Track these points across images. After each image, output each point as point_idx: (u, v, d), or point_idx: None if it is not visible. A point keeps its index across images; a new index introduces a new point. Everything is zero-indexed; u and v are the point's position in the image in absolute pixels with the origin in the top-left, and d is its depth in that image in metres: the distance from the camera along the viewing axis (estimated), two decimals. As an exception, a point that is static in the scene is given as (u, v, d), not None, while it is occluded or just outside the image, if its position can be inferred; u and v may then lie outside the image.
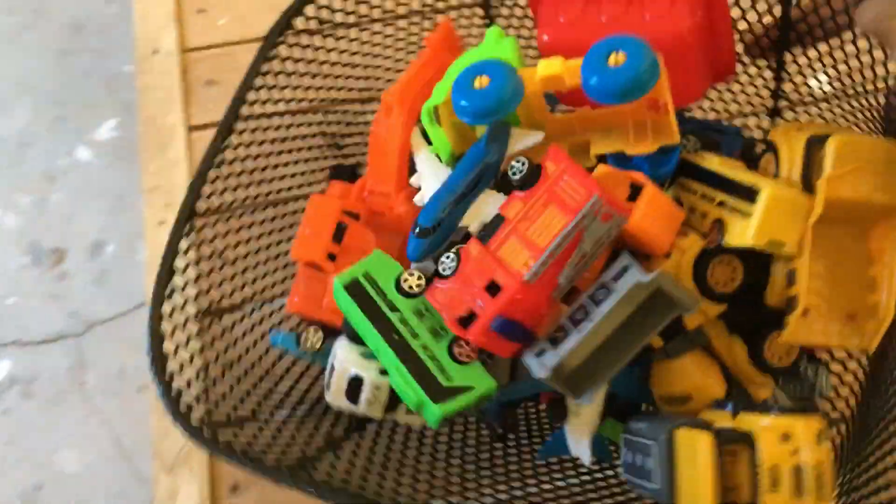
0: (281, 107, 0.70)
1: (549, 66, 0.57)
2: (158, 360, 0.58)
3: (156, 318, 0.60)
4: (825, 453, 0.50)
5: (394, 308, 0.59)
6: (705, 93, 0.67)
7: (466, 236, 0.59)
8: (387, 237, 0.69)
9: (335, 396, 0.62)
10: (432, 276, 0.59)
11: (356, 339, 0.62)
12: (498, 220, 0.57)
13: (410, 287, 0.60)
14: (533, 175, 0.57)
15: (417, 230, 0.60)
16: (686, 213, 0.60)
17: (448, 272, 0.57)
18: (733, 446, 0.51)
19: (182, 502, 0.76)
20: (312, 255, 0.66)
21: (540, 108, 0.63)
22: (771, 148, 0.61)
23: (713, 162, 0.61)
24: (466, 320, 0.55)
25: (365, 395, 0.61)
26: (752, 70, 0.67)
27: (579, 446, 0.64)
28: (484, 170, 0.61)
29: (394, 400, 0.61)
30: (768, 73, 0.67)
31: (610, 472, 0.66)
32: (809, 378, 0.62)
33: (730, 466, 0.51)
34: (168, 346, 0.60)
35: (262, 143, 0.69)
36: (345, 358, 0.61)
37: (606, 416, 0.65)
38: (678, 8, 0.59)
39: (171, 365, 0.59)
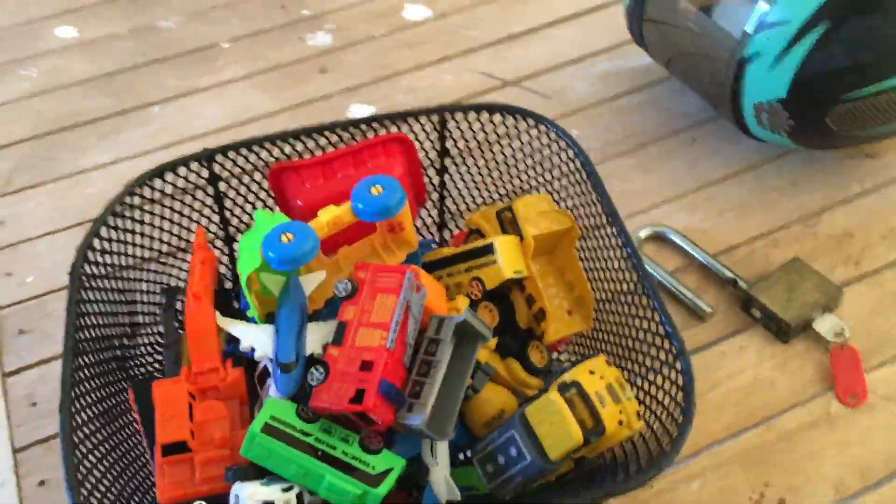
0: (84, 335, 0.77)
1: (329, 213, 0.78)
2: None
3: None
4: (617, 371, 0.76)
5: (306, 433, 0.71)
6: (415, 216, 0.94)
7: (314, 361, 0.75)
8: (226, 404, 0.79)
9: None
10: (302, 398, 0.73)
11: (249, 477, 0.71)
12: (342, 326, 0.75)
13: None
14: (354, 289, 0.76)
15: (281, 368, 0.74)
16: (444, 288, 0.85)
17: (319, 382, 0.72)
18: (568, 394, 0.74)
19: None
20: (180, 435, 0.73)
21: (318, 256, 0.82)
22: (473, 231, 0.89)
23: (444, 251, 0.87)
24: (357, 398, 0.70)
25: None
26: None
27: (447, 489, 0.80)
28: (301, 310, 0.78)
29: (302, 515, 0.71)
30: (435, 196, 0.96)
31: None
32: (556, 368, 0.88)
33: (573, 410, 0.74)
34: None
35: (90, 366, 0.75)
36: (252, 493, 0.70)
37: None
38: (390, 162, 0.85)
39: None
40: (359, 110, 1.33)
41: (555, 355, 0.94)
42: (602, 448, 0.75)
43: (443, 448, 0.81)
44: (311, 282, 0.81)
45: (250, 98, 1.37)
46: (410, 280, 0.75)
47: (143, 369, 0.87)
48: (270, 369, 0.77)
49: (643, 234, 1.13)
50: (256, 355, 0.78)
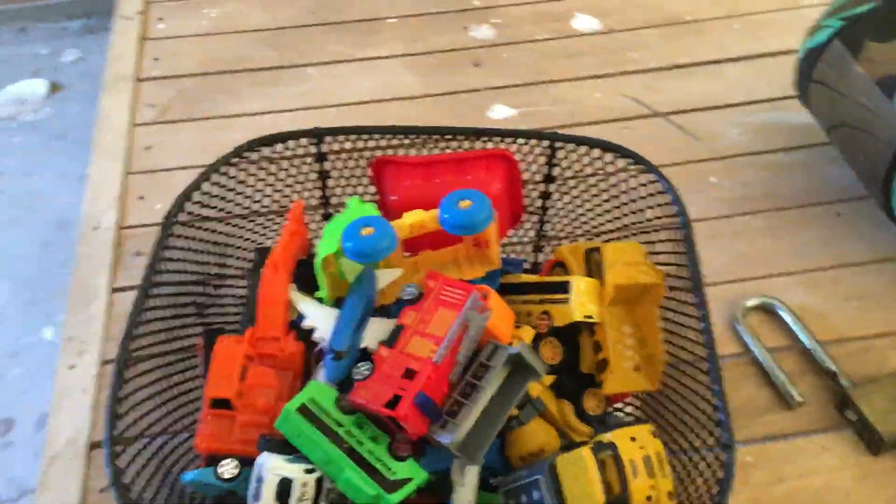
0: (167, 278, 0.82)
1: (415, 216, 0.79)
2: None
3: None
4: (659, 445, 0.73)
5: (339, 423, 0.73)
6: (506, 233, 0.94)
7: (365, 355, 0.76)
8: (279, 374, 0.82)
9: (265, 503, 0.71)
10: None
11: (277, 450, 0.74)
12: (398, 329, 0.76)
13: None
14: (419, 295, 0.77)
15: (332, 356, 0.76)
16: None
17: (364, 376, 0.73)
18: (602, 455, 0.72)
19: None
20: (226, 392, 0.77)
21: (397, 253, 0.83)
22: (558, 264, 0.88)
23: (523, 277, 0.86)
24: (392, 403, 0.71)
25: (294, 494, 0.72)
26: (524, 216, 0.95)
27: (467, 513, 0.80)
28: (367, 302, 0.79)
29: (316, 498, 0.73)
30: (535, 218, 0.95)
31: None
32: (611, 420, 0.85)
33: (602, 472, 0.71)
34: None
35: (166, 307, 0.79)
36: (273, 465, 0.72)
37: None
38: (490, 176, 0.85)
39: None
40: (501, 111, 1.33)
41: (620, 406, 0.92)
42: (625, 518, 0.72)
43: (472, 471, 0.81)
44: (385, 277, 0.82)
45: (401, 77, 1.40)
46: (474, 301, 0.75)
47: (221, 320, 0.91)
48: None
49: (751, 302, 1.07)
50: (315, 335, 0.80)
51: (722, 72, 1.39)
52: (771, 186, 1.22)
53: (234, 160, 0.84)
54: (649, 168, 0.82)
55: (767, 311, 1.07)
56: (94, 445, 0.94)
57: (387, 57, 1.43)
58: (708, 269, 1.11)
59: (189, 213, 0.83)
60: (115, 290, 1.10)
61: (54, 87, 2.38)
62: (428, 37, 1.46)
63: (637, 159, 0.83)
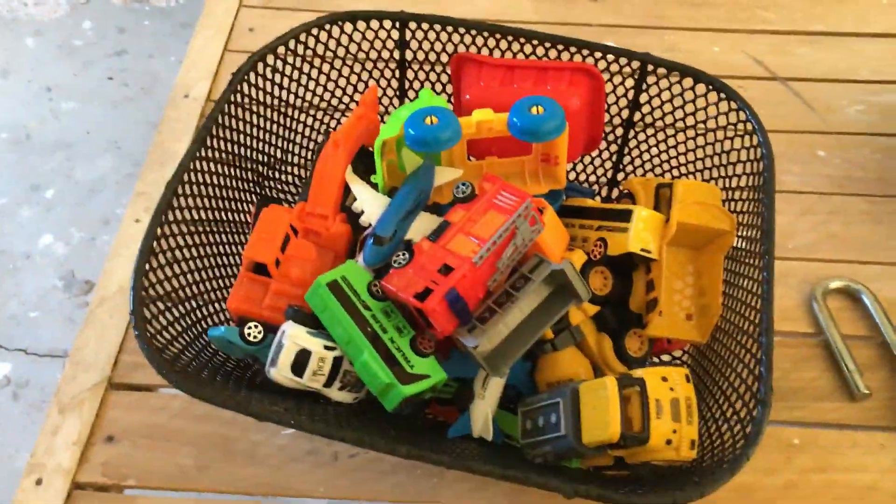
0: (231, 138, 0.81)
1: (484, 114, 0.76)
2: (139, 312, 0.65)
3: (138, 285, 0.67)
4: (691, 390, 0.68)
5: (367, 307, 0.72)
6: (580, 156, 0.89)
7: (407, 246, 0.74)
8: (320, 252, 0.81)
9: (280, 370, 0.71)
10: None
11: (302, 322, 0.73)
12: (444, 224, 0.73)
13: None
14: (473, 194, 0.74)
15: (374, 240, 0.74)
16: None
17: (401, 265, 0.71)
18: (627, 390, 0.68)
19: (60, 438, 0.84)
20: (264, 257, 0.76)
21: (461, 153, 0.81)
22: (626, 195, 0.83)
23: (587, 202, 0.82)
24: (422, 296, 0.69)
25: (310, 367, 0.71)
26: (603, 145, 0.91)
27: (483, 425, 0.78)
28: (420, 195, 0.77)
29: (331, 376, 0.72)
30: (614, 148, 0.90)
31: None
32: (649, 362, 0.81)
33: (624, 405, 0.68)
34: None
35: (219, 176, 0.79)
36: (294, 334, 0.71)
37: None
38: (571, 91, 0.80)
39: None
40: (610, 49, 1.27)
41: (666, 360, 0.87)
42: (641, 458, 0.68)
43: (496, 384, 0.79)
44: (445, 175, 0.80)
45: (518, 2, 1.35)
46: (527, 208, 0.71)
47: (281, 195, 0.91)
48: (369, 237, 0.77)
49: (834, 284, 0.99)
50: (362, 219, 0.79)
51: (857, 46, 1.28)
52: (884, 171, 1.13)
53: (317, 32, 0.82)
54: (741, 106, 0.76)
55: (851, 296, 0.99)
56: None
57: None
58: (795, 242, 1.05)
59: (259, 88, 0.82)
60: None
61: (189, -24, 2.44)
62: (551, -37, 1.41)
63: (729, 95, 0.77)
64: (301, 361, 0.71)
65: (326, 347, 0.72)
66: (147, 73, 2.28)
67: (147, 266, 0.67)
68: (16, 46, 2.34)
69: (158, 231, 0.69)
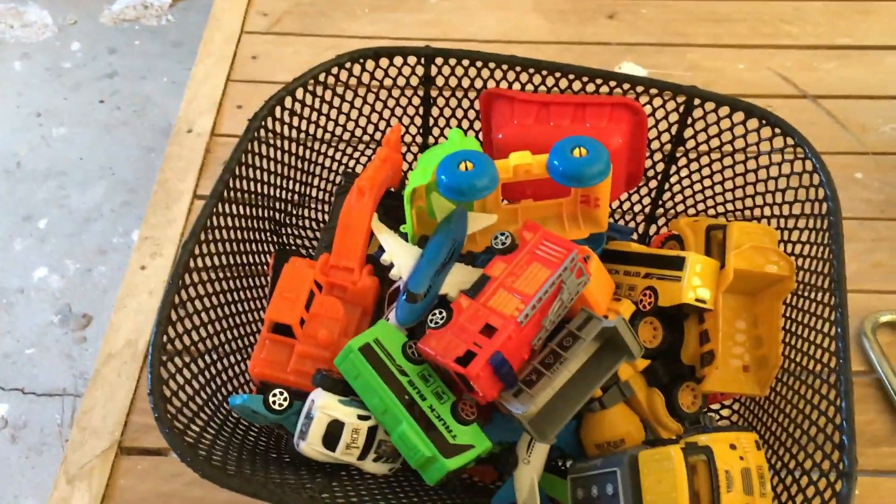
0: (246, 186, 0.75)
1: (521, 158, 0.70)
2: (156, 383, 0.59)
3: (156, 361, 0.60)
4: (762, 458, 0.63)
5: (403, 372, 0.66)
6: (619, 195, 0.84)
7: (443, 303, 0.68)
8: (347, 308, 0.75)
9: (311, 444, 0.65)
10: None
11: (332, 389, 0.67)
12: (483, 279, 0.67)
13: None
14: (513, 245, 0.68)
15: (406, 297, 0.69)
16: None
17: (438, 325, 0.66)
18: (693, 459, 0.62)
19: None
20: (288, 318, 0.70)
21: (495, 198, 0.75)
22: (673, 237, 0.77)
23: (632, 246, 0.76)
24: (464, 360, 0.63)
25: (344, 439, 0.65)
26: (642, 181, 0.85)
27: (528, 493, 0.72)
28: (454, 245, 0.71)
29: (366, 448, 0.66)
30: (654, 184, 0.85)
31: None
32: (706, 422, 0.75)
33: (690, 477, 0.62)
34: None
35: (237, 218, 0.73)
36: (325, 404, 0.65)
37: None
38: (612, 128, 0.75)
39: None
40: (629, 69, 1.21)
41: (717, 408, 0.82)
42: (709, 534, 0.63)
43: (541, 449, 0.73)
44: (479, 221, 0.74)
45: (529, 20, 1.30)
46: (573, 260, 0.66)
47: (299, 241, 0.85)
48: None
49: (884, 318, 0.94)
50: (392, 272, 0.73)
51: (887, 60, 1.24)
52: (926, 194, 1.08)
53: (337, 71, 0.76)
54: (800, 143, 0.71)
55: (902, 329, 0.95)
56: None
57: (518, -4, 1.33)
58: (838, 272, 1.00)
59: (282, 123, 0.76)
60: (198, 197, 1.06)
61: (179, -5, 2.37)
62: (564, -20, 1.35)
63: (786, 130, 0.71)
64: (333, 433, 0.65)
65: (360, 417, 0.66)
66: (140, 95, 2.22)
67: (165, 338, 0.61)
68: (2, 70, 2.27)
69: (176, 298, 0.63)
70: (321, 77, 0.75)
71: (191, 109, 1.13)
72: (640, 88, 0.76)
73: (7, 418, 1.65)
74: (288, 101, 0.75)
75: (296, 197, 0.82)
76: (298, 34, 1.25)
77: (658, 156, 0.82)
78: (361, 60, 0.76)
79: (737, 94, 1.17)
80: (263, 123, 0.72)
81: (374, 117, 0.83)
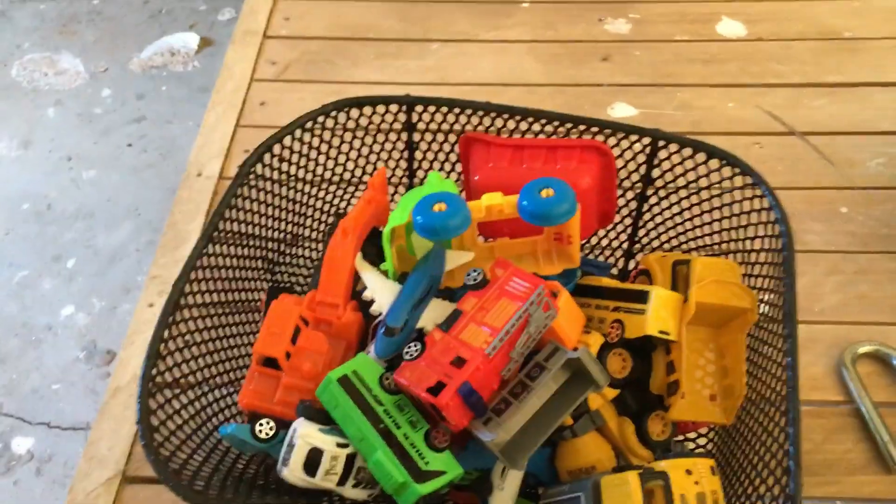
0: (240, 228, 0.80)
1: (493, 198, 0.74)
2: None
3: (144, 393, 0.65)
4: (717, 483, 0.66)
5: (379, 402, 0.70)
6: (594, 233, 0.88)
7: (420, 335, 0.73)
8: (332, 342, 0.80)
9: (292, 470, 0.69)
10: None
11: (314, 419, 0.71)
12: (456, 313, 0.71)
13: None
14: (484, 280, 0.72)
15: (384, 331, 0.73)
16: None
17: (413, 357, 0.70)
18: (651, 484, 0.65)
19: None
20: (274, 351, 0.75)
21: (471, 236, 0.79)
22: (643, 272, 0.81)
23: (603, 281, 0.80)
24: (435, 390, 0.67)
25: (323, 466, 0.69)
26: (617, 218, 0.89)
27: (503, 519, 0.75)
28: (431, 281, 0.76)
29: (345, 474, 0.70)
30: (629, 221, 0.89)
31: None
32: (677, 449, 0.78)
33: (647, 501, 0.65)
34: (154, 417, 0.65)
35: (233, 256, 0.78)
36: (306, 433, 0.70)
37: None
38: (582, 169, 0.79)
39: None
40: (622, 109, 1.26)
41: (693, 437, 0.84)
42: (667, 557, 0.66)
43: (514, 475, 0.76)
44: (456, 259, 0.78)
45: (525, 64, 1.35)
46: (539, 295, 0.69)
47: (293, 279, 0.90)
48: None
49: (864, 349, 0.96)
50: (373, 308, 0.77)
51: (874, 96, 1.27)
52: (910, 227, 1.10)
53: (323, 119, 0.82)
54: (757, 181, 0.74)
55: (882, 361, 0.96)
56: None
57: (514, 41, 1.38)
58: (821, 305, 1.02)
59: (272, 168, 0.81)
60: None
61: (205, 42, 2.47)
62: (560, 25, 1.40)
63: (744, 169, 0.75)
64: (313, 460, 0.69)
65: (339, 445, 0.70)
66: (166, 139, 2.31)
67: (154, 371, 0.66)
68: (36, 116, 2.38)
69: (166, 333, 0.68)
70: (308, 125, 0.81)
71: (202, 154, 1.19)
72: (607, 132, 0.80)
73: (34, 452, 1.72)
74: (277, 149, 0.80)
75: (288, 237, 0.87)
76: (305, 81, 1.32)
77: (631, 194, 0.86)
78: (346, 109, 0.82)
79: (726, 131, 1.23)
80: (253, 170, 0.77)
81: (362, 161, 0.88)
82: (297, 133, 0.81)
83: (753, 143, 1.21)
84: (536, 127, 0.82)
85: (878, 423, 0.90)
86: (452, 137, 0.85)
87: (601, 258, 0.93)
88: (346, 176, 0.88)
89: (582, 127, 0.81)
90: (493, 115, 0.82)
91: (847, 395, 0.93)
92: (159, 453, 0.62)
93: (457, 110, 0.82)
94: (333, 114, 0.81)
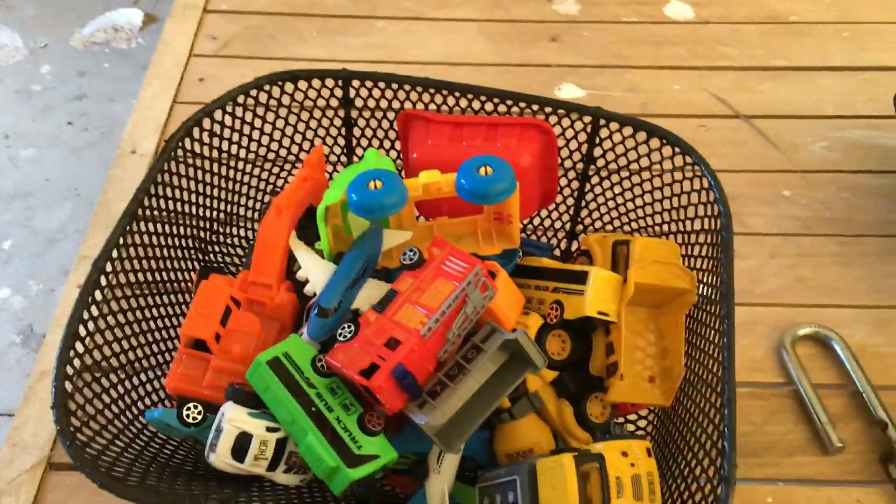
0: (169, 206, 0.77)
1: (430, 176, 0.72)
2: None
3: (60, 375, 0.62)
4: (653, 465, 0.65)
5: (311, 384, 0.68)
6: (535, 212, 0.86)
7: (354, 316, 0.70)
8: (265, 324, 0.77)
9: (220, 456, 0.66)
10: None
11: (244, 403, 0.69)
12: (391, 294, 0.69)
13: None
14: (421, 260, 0.71)
15: (317, 311, 0.71)
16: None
17: (346, 338, 0.68)
18: (586, 466, 0.64)
19: None
20: (203, 333, 0.72)
21: (409, 215, 0.77)
22: (583, 252, 0.80)
23: (544, 261, 0.78)
24: (368, 372, 0.65)
25: (252, 451, 0.67)
26: (559, 198, 0.87)
27: (440, 503, 0.74)
28: (367, 261, 0.73)
29: (275, 459, 0.68)
30: (571, 202, 0.87)
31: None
32: (616, 431, 0.77)
33: (583, 484, 0.64)
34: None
35: (154, 238, 0.75)
36: (234, 417, 0.67)
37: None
38: (522, 147, 0.77)
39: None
40: (570, 90, 1.24)
41: (634, 419, 0.84)
42: (603, 539, 0.65)
43: (451, 459, 0.75)
44: (393, 238, 0.76)
45: (473, 43, 1.33)
46: (477, 275, 0.68)
47: (227, 259, 0.87)
48: (313, 308, 0.74)
49: (803, 331, 0.96)
50: (307, 288, 0.75)
51: (818, 80, 1.27)
52: (852, 210, 1.11)
53: (256, 94, 0.79)
54: (697, 161, 0.73)
55: (821, 343, 0.97)
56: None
57: (462, 20, 1.36)
58: (762, 287, 1.03)
59: (203, 143, 0.78)
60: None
61: (149, 18, 2.40)
62: (509, 4, 1.38)
63: (684, 149, 0.74)
64: (242, 445, 0.67)
65: (269, 429, 0.68)
66: (107, 117, 2.24)
67: (72, 353, 0.63)
68: (-28, 93, 2.30)
69: (85, 314, 0.65)
70: (240, 99, 0.78)
71: (136, 131, 1.16)
72: (548, 109, 0.78)
73: (-41, 434, 1.68)
74: (206, 123, 0.77)
75: (222, 216, 0.84)
76: (246, 57, 1.28)
77: (572, 174, 0.85)
78: (280, 83, 0.79)
79: (673, 114, 1.22)
80: (181, 144, 0.74)
81: (298, 138, 0.85)
82: (229, 107, 0.78)
83: (699, 125, 1.21)
84: (477, 105, 0.80)
85: (816, 404, 0.90)
86: (391, 115, 0.83)
87: (543, 240, 0.92)
88: (283, 153, 0.85)
89: (523, 105, 0.79)
90: (432, 91, 0.80)
91: (787, 377, 0.94)
92: (76, 438, 0.59)
93: (394, 86, 0.80)
94: (267, 87, 0.78)
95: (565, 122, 0.80)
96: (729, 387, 0.62)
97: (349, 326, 0.68)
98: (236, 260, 0.88)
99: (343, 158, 0.87)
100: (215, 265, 0.86)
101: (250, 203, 0.87)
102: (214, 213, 0.83)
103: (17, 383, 1.73)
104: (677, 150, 0.75)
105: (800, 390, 0.92)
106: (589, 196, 0.86)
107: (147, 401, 0.73)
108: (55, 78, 2.35)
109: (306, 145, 0.87)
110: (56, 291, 1.87)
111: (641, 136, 0.76)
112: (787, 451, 0.88)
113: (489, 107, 0.81)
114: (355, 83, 0.80)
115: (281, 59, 1.28)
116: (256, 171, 0.85)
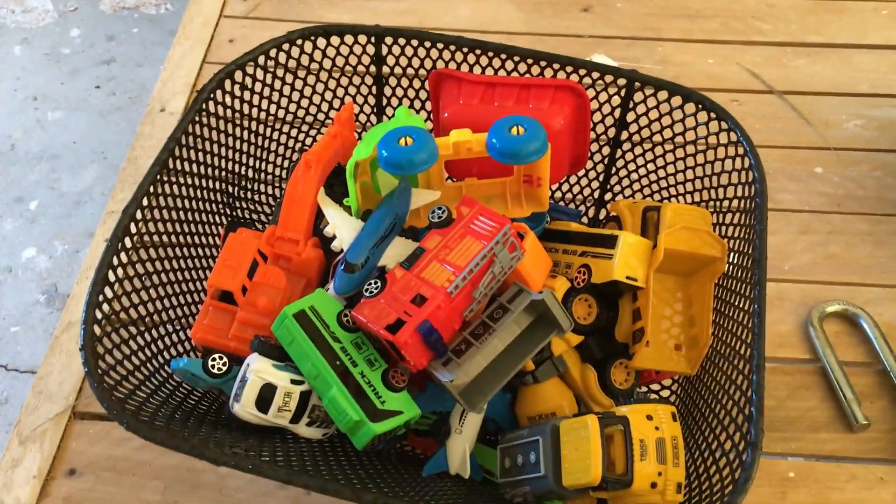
0: (200, 158, 0.77)
1: (461, 135, 0.72)
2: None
3: (89, 319, 0.63)
4: (678, 429, 0.64)
5: (336, 339, 0.68)
6: (565, 177, 0.85)
7: (381, 273, 0.70)
8: (291, 279, 0.77)
9: (244, 406, 0.67)
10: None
11: (269, 355, 0.69)
12: (419, 251, 0.69)
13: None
14: (449, 219, 0.70)
15: (344, 267, 0.71)
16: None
17: (372, 294, 0.67)
18: (610, 428, 0.64)
19: (20, 471, 0.81)
20: (229, 285, 0.72)
21: (438, 175, 0.77)
22: (613, 218, 0.79)
23: (572, 226, 0.78)
24: (394, 327, 0.65)
25: (276, 402, 0.67)
26: (589, 164, 0.87)
27: (460, 462, 0.74)
28: (395, 219, 0.73)
29: (298, 412, 0.68)
30: (601, 167, 0.86)
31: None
32: (640, 398, 0.77)
33: (606, 446, 0.64)
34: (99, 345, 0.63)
35: (184, 189, 0.75)
36: (259, 368, 0.67)
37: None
38: (554, 109, 0.76)
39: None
40: (600, 62, 1.23)
41: (657, 388, 0.83)
42: (625, 502, 0.64)
43: (473, 419, 0.75)
44: (422, 197, 0.76)
45: (505, 12, 1.32)
46: (505, 234, 0.67)
47: (255, 216, 0.87)
48: (341, 264, 0.73)
49: (831, 308, 0.95)
50: (334, 244, 0.75)
51: (855, 58, 1.25)
52: (884, 189, 1.09)
53: (288, 48, 0.78)
54: (732, 126, 0.72)
55: (849, 320, 0.96)
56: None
57: (494, -11, 1.35)
58: (791, 263, 1.01)
59: (234, 96, 0.78)
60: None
61: (179, -16, 2.40)
62: (541, -27, 1.37)
63: (720, 115, 0.73)
64: (266, 397, 0.67)
65: (293, 382, 0.68)
66: (135, 82, 2.25)
67: (101, 297, 0.63)
68: (2, 54, 2.31)
69: (115, 260, 0.65)
70: (272, 53, 0.77)
71: (165, 90, 1.16)
72: (582, 72, 0.77)
73: (-11, 394, 1.70)
74: (238, 76, 0.77)
75: (250, 172, 0.84)
76: (276, 19, 1.27)
77: (604, 139, 0.84)
78: (312, 38, 0.78)
79: (705, 88, 1.21)
80: (213, 96, 0.74)
81: (329, 96, 0.85)
82: (261, 60, 0.77)
83: (731, 100, 1.19)
84: (510, 66, 0.79)
85: (842, 381, 0.89)
86: (423, 74, 0.82)
87: (571, 206, 0.91)
88: (313, 112, 0.85)
89: (556, 66, 0.78)
90: (465, 50, 0.79)
91: (813, 354, 0.93)
92: (104, 381, 0.59)
93: (427, 44, 0.79)
94: (299, 42, 0.78)
95: (599, 85, 0.79)
96: (758, 353, 0.61)
97: (376, 282, 0.68)
98: (263, 217, 0.88)
99: (373, 118, 0.87)
100: (245, 221, 0.86)
101: (279, 161, 0.87)
102: (243, 168, 0.83)
103: (41, 341, 1.76)
104: (713, 115, 0.74)
105: (826, 367, 0.91)
106: (620, 163, 0.85)
107: (173, 351, 0.74)
108: (84, 41, 2.36)
109: (337, 104, 0.87)
110: (80, 252, 1.89)
111: (676, 101, 0.75)
112: (811, 427, 0.88)
113: (522, 68, 0.80)
114: (388, 41, 0.80)
115: (310, 22, 1.27)
116: (286, 129, 0.85)
